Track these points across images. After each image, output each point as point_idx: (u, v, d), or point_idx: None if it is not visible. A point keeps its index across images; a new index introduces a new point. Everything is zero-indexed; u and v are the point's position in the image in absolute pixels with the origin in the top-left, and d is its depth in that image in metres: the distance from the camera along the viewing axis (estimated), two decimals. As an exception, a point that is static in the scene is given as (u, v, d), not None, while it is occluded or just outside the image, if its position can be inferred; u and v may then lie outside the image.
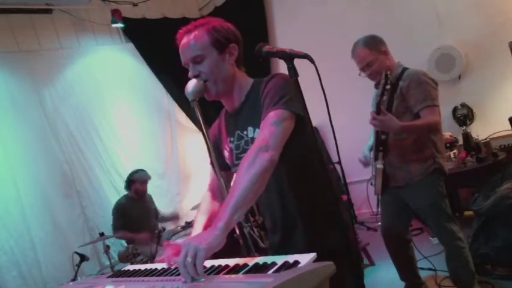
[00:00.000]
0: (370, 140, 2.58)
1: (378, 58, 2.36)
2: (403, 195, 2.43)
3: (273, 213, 1.43)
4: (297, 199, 1.38)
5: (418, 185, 2.34)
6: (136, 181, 4.44)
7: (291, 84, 1.25)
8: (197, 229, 1.45)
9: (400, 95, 2.31)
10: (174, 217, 4.74)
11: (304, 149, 1.37)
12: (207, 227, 1.46)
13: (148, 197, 4.65)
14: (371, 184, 2.57)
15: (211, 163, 1.54)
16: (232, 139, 1.48)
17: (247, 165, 1.18)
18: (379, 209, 2.73)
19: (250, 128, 1.41)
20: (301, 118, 1.30)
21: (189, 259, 0.99)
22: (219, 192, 1.58)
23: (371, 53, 2.36)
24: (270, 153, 1.19)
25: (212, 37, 1.37)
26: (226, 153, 1.52)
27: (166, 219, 4.78)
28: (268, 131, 1.23)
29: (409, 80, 2.29)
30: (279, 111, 1.26)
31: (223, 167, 1.54)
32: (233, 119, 1.49)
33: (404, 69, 2.38)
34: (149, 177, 4.51)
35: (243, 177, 1.16)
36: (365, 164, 2.60)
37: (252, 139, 1.40)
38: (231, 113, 1.51)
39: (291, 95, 1.29)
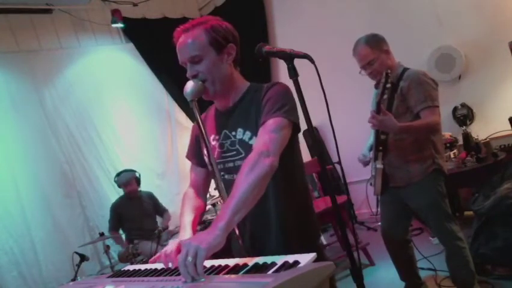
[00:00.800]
0: (370, 139, 2.58)
1: (380, 57, 2.36)
2: (403, 195, 2.43)
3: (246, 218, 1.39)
4: (278, 206, 1.38)
5: (418, 185, 2.34)
6: (120, 185, 4.47)
7: (291, 94, 1.29)
8: (186, 230, 1.41)
9: (400, 95, 2.31)
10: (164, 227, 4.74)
11: (293, 158, 1.41)
12: (195, 224, 1.45)
13: (146, 196, 4.65)
14: (370, 184, 2.57)
15: (187, 156, 1.60)
16: (217, 137, 1.48)
17: (248, 169, 1.19)
18: (379, 209, 2.73)
19: (240, 130, 1.41)
20: (297, 128, 1.33)
21: (190, 259, 1.00)
22: (202, 188, 1.59)
23: (373, 51, 2.36)
24: (271, 158, 1.21)
25: (210, 37, 1.37)
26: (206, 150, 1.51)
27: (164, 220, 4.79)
28: (269, 137, 1.25)
29: (410, 80, 2.29)
30: (278, 118, 1.28)
31: (200, 163, 1.55)
32: (223, 118, 1.48)
33: (405, 69, 2.38)
34: (129, 179, 4.47)
35: (244, 180, 1.17)
36: (364, 163, 2.60)
37: (240, 141, 1.40)
38: (221, 112, 1.50)
39: (291, 105, 1.31)
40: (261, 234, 1.41)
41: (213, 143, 1.49)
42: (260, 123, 1.32)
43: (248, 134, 1.39)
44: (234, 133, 1.43)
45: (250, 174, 1.18)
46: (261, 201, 1.31)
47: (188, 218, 1.45)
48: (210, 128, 1.52)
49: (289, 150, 1.34)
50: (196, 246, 1.02)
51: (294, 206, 1.41)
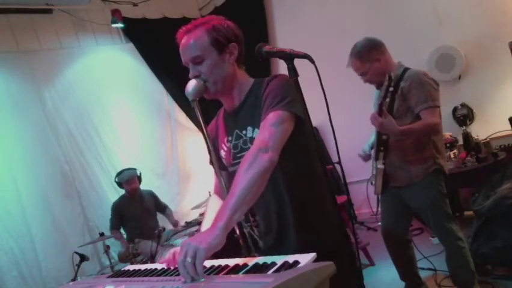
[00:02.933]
0: (371, 137, 2.58)
1: (371, 67, 2.38)
2: (403, 195, 2.43)
3: (267, 214, 1.42)
4: (293, 201, 1.37)
5: (418, 185, 2.34)
6: (121, 183, 4.47)
7: (292, 86, 1.25)
8: (206, 226, 1.43)
9: (401, 96, 2.31)
10: (174, 223, 4.74)
11: (303, 150, 1.38)
12: None
13: (147, 195, 4.64)
14: (371, 184, 2.57)
15: (211, 162, 1.55)
16: (230, 138, 1.48)
17: (247, 165, 1.18)
18: (379, 209, 2.73)
19: (249, 128, 1.41)
20: (301, 120, 1.30)
21: (189, 259, 0.99)
22: (225, 192, 1.58)
23: (362, 64, 2.39)
24: (270, 154, 1.20)
25: (212, 37, 1.36)
26: (223, 153, 1.51)
27: (168, 217, 4.79)
28: (268, 132, 1.23)
29: (410, 81, 2.29)
30: (279, 112, 1.26)
31: (220, 167, 1.54)
32: (232, 118, 1.48)
33: (405, 69, 2.38)
34: (132, 176, 4.46)
35: (243, 178, 1.16)
36: (364, 158, 2.61)
37: (251, 139, 1.39)
38: (229, 112, 1.50)
39: (292, 96, 1.28)
40: (283, 231, 1.39)
41: (227, 145, 1.49)
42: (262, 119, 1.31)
43: (257, 131, 1.37)
44: (244, 132, 1.42)
45: (249, 170, 1.17)
46: (275, 197, 1.32)
47: (209, 218, 1.43)
48: (222, 131, 1.52)
49: (297, 142, 1.33)
50: (196, 246, 1.01)
51: (310, 197, 1.38)
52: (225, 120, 1.53)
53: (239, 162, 1.42)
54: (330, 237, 1.36)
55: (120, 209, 4.45)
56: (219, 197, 1.59)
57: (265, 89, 1.35)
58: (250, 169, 1.17)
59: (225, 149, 1.50)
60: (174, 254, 1.30)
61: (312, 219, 1.37)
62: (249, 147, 1.38)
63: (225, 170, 1.55)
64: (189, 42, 1.37)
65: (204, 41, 1.36)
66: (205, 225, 1.48)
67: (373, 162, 2.48)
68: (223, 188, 1.39)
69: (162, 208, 4.76)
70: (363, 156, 2.61)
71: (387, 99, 2.18)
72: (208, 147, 1.38)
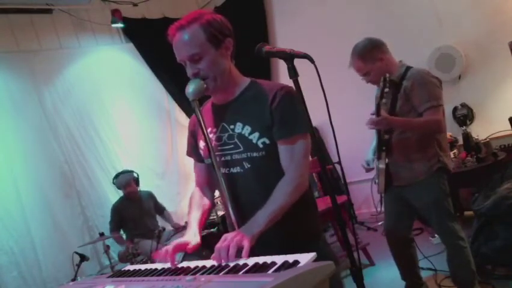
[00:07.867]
0: (373, 143, 2.57)
1: (374, 67, 2.36)
2: (406, 193, 2.43)
3: (251, 213, 1.35)
4: None
5: (422, 184, 2.33)
6: (119, 187, 4.47)
7: (299, 100, 1.25)
8: (192, 228, 1.44)
9: (404, 95, 2.31)
10: (173, 226, 4.73)
11: None
12: (201, 222, 1.48)
13: (146, 196, 4.64)
14: (375, 183, 2.57)
15: (189, 154, 1.63)
16: (214, 130, 1.47)
17: (288, 190, 1.32)
18: (382, 208, 2.73)
19: (239, 124, 1.40)
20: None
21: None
22: (207, 185, 1.60)
23: (365, 65, 2.37)
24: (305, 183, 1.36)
25: (208, 32, 1.35)
26: (202, 144, 1.51)
27: (167, 219, 4.79)
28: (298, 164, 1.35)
29: (413, 80, 2.28)
30: (301, 136, 1.35)
31: (201, 159, 1.55)
32: (220, 111, 1.47)
33: (408, 68, 2.37)
34: (127, 181, 4.45)
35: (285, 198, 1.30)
36: (367, 170, 2.61)
37: (239, 135, 1.39)
38: (218, 105, 1.49)
39: (303, 113, 1.30)
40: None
41: (210, 135, 1.47)
42: (277, 136, 1.35)
43: (248, 128, 1.38)
44: (232, 126, 1.42)
45: (292, 195, 1.31)
46: (262, 200, 1.31)
47: (195, 217, 1.49)
48: (207, 121, 1.50)
49: None
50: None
51: (295, 203, 1.38)
52: (212, 112, 1.51)
53: (219, 155, 1.43)
54: (313, 224, 1.45)
55: (119, 210, 4.45)
56: (200, 189, 1.60)
57: (277, 105, 1.35)
58: (291, 195, 1.30)
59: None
60: (166, 250, 1.31)
61: (295, 223, 1.38)
62: (234, 142, 1.40)
63: (201, 162, 1.56)
64: (185, 39, 1.34)
65: (200, 38, 1.34)
66: (192, 221, 1.48)
67: (376, 161, 2.48)
68: (223, 187, 1.39)
69: (160, 210, 4.75)
70: (366, 168, 2.60)
71: (384, 100, 2.19)
72: (208, 146, 1.38)
